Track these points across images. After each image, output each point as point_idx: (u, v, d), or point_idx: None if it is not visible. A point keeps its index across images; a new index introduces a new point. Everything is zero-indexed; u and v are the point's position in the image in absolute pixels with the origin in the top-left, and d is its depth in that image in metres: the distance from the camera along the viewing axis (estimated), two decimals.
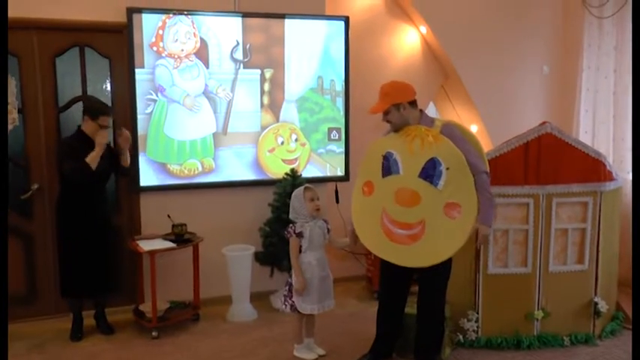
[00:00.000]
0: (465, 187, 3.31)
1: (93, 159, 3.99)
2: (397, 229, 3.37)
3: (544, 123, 3.98)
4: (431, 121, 3.47)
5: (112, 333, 4.31)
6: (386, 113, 3.44)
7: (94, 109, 4.11)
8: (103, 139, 4.04)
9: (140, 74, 4.57)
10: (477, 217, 3.34)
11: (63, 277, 4.18)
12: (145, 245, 4.25)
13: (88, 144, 4.04)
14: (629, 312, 4.38)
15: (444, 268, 3.46)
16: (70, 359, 3.90)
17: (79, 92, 4.56)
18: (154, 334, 4.24)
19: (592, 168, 3.99)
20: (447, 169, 3.28)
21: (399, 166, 3.38)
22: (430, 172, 3.30)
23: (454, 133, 3.41)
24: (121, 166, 4.29)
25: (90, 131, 4.07)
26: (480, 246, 3.49)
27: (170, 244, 4.35)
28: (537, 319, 4.03)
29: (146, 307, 4.37)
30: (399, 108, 3.39)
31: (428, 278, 3.51)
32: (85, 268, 4.10)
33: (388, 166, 3.42)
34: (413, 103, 3.45)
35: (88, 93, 4.57)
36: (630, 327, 4.28)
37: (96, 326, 4.35)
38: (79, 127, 4.13)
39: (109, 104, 4.61)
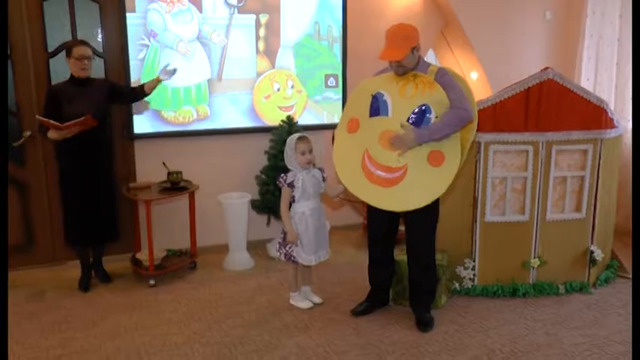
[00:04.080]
0: (451, 138, 3.27)
1: (52, 135, 3.90)
2: (378, 171, 3.32)
3: (546, 69, 3.89)
4: (427, 66, 3.40)
5: (110, 281, 4.33)
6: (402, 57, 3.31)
7: (65, 47, 4.01)
8: (52, 134, 3.89)
9: (131, 19, 4.44)
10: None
11: (67, 226, 4.15)
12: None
13: (81, 86, 3.98)
14: (624, 260, 4.40)
15: (431, 213, 3.44)
16: (69, 307, 3.92)
17: (68, 38, 4.42)
18: (151, 282, 4.25)
19: (593, 115, 3.92)
20: (437, 117, 3.24)
21: (388, 107, 3.32)
22: (419, 118, 3.25)
23: (448, 78, 3.33)
24: (133, 94, 4.26)
25: (74, 70, 3.96)
26: (391, 144, 3.25)
27: None
28: (533, 267, 4.04)
29: (143, 256, 4.37)
30: (414, 51, 3.31)
31: (415, 223, 3.50)
32: (89, 215, 4.07)
33: (377, 107, 3.36)
34: (419, 48, 3.37)
35: (78, 38, 4.44)
36: (624, 275, 4.31)
37: (94, 274, 4.36)
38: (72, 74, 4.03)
39: (100, 50, 4.52)
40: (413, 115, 3.26)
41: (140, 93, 4.24)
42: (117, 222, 4.29)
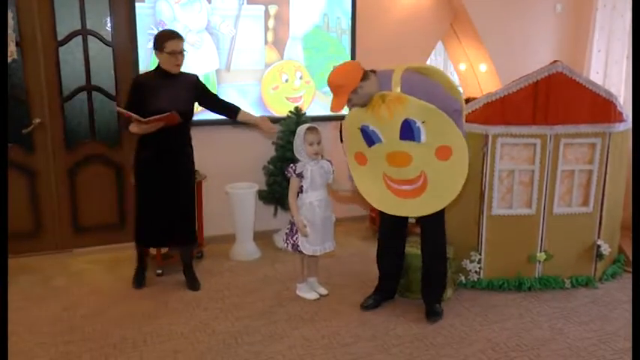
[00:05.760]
0: (447, 129, 3.20)
1: (133, 129, 3.65)
2: (402, 186, 3.40)
3: (555, 62, 3.87)
4: (389, 78, 3.29)
5: (198, 289, 4.09)
6: (348, 102, 3.32)
7: (156, 39, 3.69)
8: (133, 128, 3.64)
9: (141, 8, 4.45)
10: None
11: (139, 225, 3.96)
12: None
13: (169, 79, 3.74)
14: (631, 255, 4.38)
15: None
16: (76, 294, 3.95)
17: (78, 26, 4.45)
18: (158, 271, 4.27)
19: (602, 108, 3.90)
20: (423, 122, 3.19)
21: (378, 135, 3.34)
22: (409, 132, 3.24)
23: (415, 80, 3.26)
24: (220, 106, 4.01)
25: (166, 65, 3.71)
26: None
27: None
28: (539, 261, 4.04)
29: None
30: (357, 91, 3.27)
31: (429, 216, 3.50)
32: (164, 217, 3.87)
33: (369, 137, 3.38)
34: (365, 77, 3.29)
35: (88, 27, 4.46)
36: (631, 270, 4.29)
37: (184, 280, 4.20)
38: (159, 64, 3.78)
39: (109, 39, 4.52)
40: (402, 133, 3.25)
41: (230, 113, 4.00)
42: (193, 224, 4.06)
